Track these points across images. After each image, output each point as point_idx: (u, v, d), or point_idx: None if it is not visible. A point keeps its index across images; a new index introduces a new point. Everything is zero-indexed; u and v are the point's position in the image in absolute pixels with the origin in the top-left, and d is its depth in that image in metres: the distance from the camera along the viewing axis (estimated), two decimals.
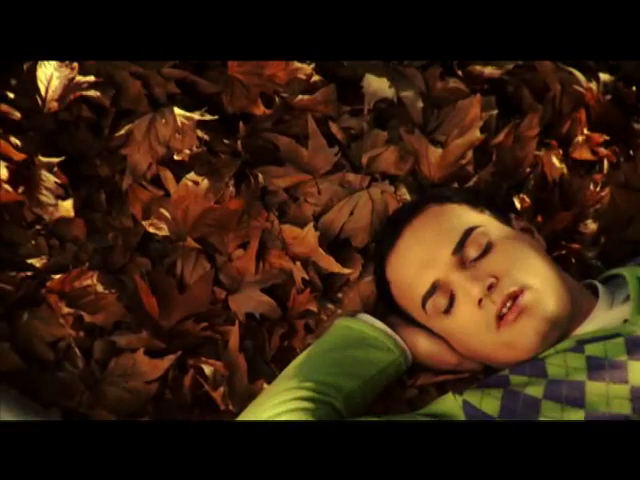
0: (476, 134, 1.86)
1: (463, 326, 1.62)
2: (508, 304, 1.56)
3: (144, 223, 1.80)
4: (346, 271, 1.78)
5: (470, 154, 1.87)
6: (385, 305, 1.78)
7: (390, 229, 1.75)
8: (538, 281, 1.58)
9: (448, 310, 1.63)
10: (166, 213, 1.80)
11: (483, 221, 1.68)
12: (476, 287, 1.58)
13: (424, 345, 1.71)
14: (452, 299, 1.62)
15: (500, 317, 1.56)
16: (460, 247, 1.63)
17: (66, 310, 1.73)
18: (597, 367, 1.51)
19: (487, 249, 1.62)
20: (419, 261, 1.66)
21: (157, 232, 1.80)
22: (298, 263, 1.78)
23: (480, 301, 1.58)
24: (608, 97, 1.97)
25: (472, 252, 1.62)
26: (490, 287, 1.57)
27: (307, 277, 1.78)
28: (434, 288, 1.64)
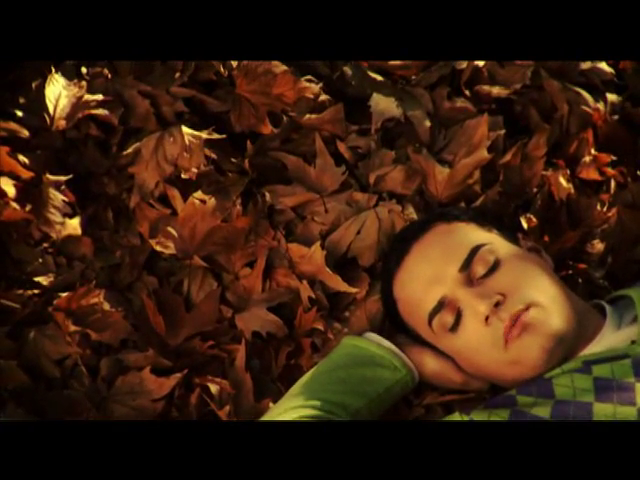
0: (483, 154, 1.86)
1: (470, 343, 1.62)
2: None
3: (151, 241, 1.81)
4: (353, 290, 1.78)
5: (477, 174, 1.87)
6: (392, 324, 1.78)
7: (398, 246, 1.75)
8: (544, 298, 1.58)
9: (455, 327, 1.63)
10: (173, 231, 1.81)
11: (490, 239, 1.68)
12: (483, 304, 1.58)
13: (431, 364, 1.71)
14: (459, 316, 1.62)
15: (507, 335, 1.56)
16: (467, 264, 1.63)
17: (73, 328, 1.74)
18: (605, 388, 1.50)
19: (494, 267, 1.62)
20: (426, 278, 1.66)
21: (164, 250, 1.81)
22: (305, 282, 1.78)
23: (487, 318, 1.58)
24: (615, 117, 1.97)
25: (479, 269, 1.62)
26: (497, 304, 1.57)
27: (314, 296, 1.78)
28: (441, 305, 1.63)
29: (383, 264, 1.81)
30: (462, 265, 1.63)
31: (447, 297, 1.63)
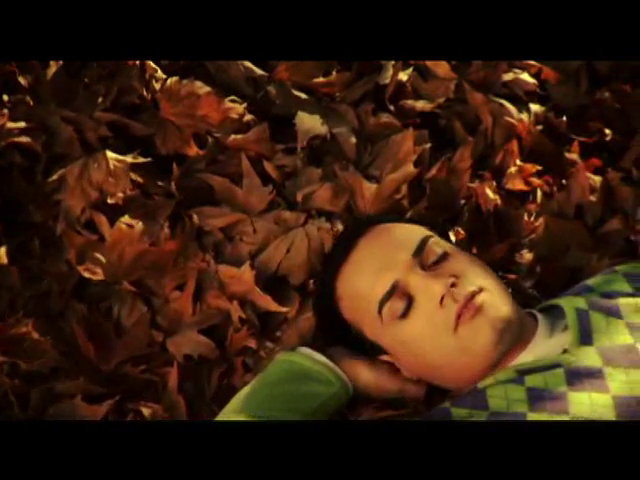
0: (410, 168, 1.87)
1: (420, 330, 1.61)
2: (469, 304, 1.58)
3: (79, 268, 1.80)
4: (283, 309, 1.79)
5: (405, 188, 1.88)
6: (326, 335, 1.78)
7: (342, 244, 1.74)
8: (492, 285, 1.61)
9: (406, 313, 1.62)
10: (101, 257, 1.80)
11: (434, 235, 1.70)
12: (438, 284, 1.59)
13: (365, 374, 1.70)
14: (410, 302, 1.62)
15: (459, 316, 1.57)
16: (420, 251, 1.64)
17: (1, 358, 1.72)
18: (538, 398, 1.51)
19: (444, 256, 1.64)
20: (376, 267, 1.65)
21: (92, 277, 1.80)
22: (235, 302, 1.78)
23: (442, 299, 1.58)
24: (539, 127, 2.00)
25: (431, 257, 1.63)
26: (452, 285, 1.58)
27: (244, 316, 1.77)
28: (393, 289, 1.62)
29: (323, 266, 1.79)
30: (415, 251, 1.64)
31: (400, 282, 1.63)
